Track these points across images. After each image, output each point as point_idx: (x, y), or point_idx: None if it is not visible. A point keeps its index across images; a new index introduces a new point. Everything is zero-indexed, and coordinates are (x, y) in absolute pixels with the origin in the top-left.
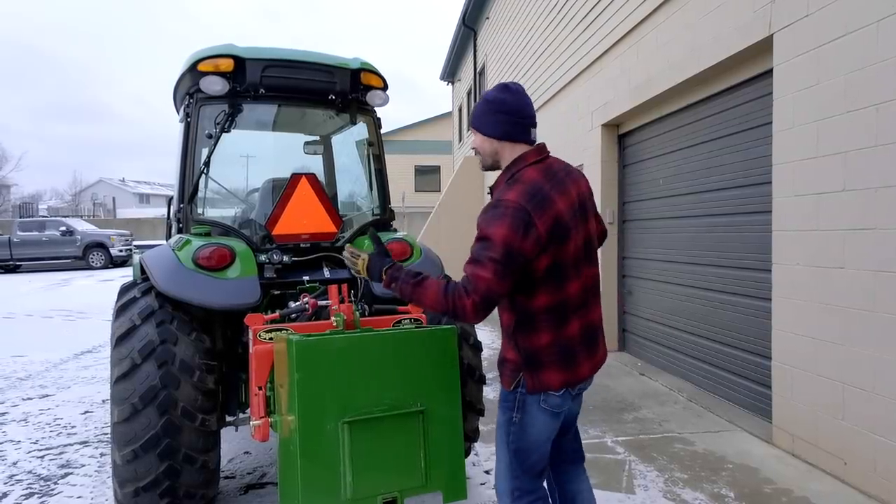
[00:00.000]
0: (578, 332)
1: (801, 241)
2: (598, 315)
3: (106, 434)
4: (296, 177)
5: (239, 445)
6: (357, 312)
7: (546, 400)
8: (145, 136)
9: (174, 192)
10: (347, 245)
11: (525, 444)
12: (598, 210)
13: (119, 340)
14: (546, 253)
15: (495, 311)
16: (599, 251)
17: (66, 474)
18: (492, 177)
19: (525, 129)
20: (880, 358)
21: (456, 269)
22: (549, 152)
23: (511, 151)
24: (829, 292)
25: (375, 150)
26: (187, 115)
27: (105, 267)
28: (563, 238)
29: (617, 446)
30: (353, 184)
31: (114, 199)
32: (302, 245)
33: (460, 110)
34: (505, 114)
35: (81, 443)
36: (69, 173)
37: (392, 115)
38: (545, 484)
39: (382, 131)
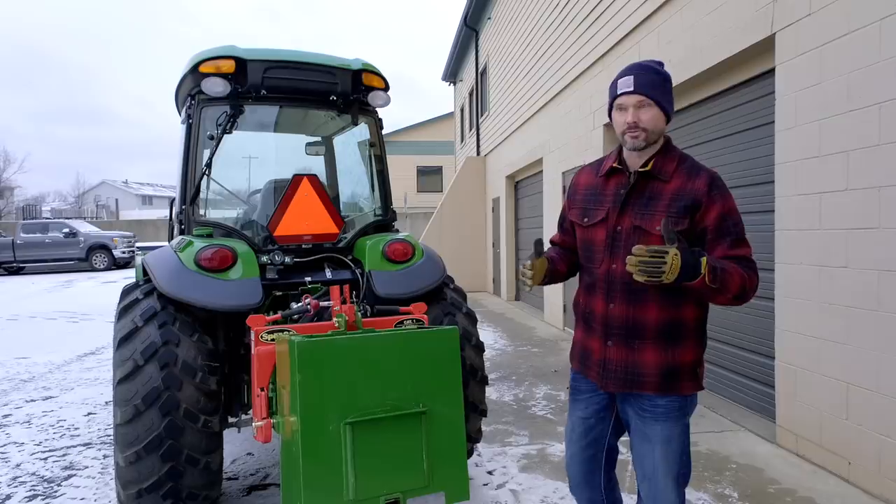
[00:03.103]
0: None
1: (803, 241)
2: None
3: (109, 436)
4: (297, 178)
5: (242, 447)
6: (359, 313)
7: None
8: (148, 138)
9: (176, 194)
10: (638, 247)
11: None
12: None
13: (121, 342)
14: None
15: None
16: None
17: (70, 476)
18: (494, 178)
19: None
20: (884, 357)
21: (458, 270)
22: None
23: (664, 131)
24: (832, 292)
25: (377, 151)
26: (189, 116)
27: (108, 269)
28: None
29: (620, 446)
30: (354, 185)
31: (117, 200)
32: (304, 246)
33: (462, 111)
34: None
35: (84, 444)
36: (72, 175)
37: (394, 116)
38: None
39: (384, 132)
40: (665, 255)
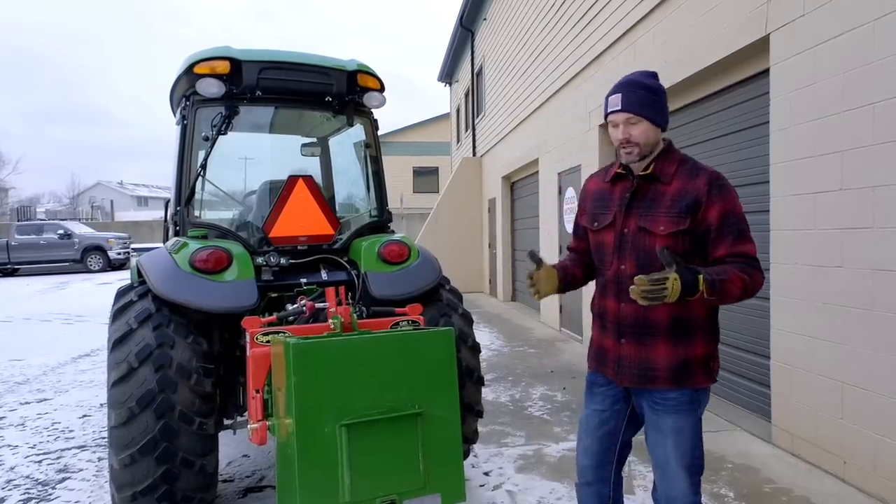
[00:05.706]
0: None
1: (798, 241)
2: None
3: (104, 438)
4: (293, 179)
5: (237, 449)
6: (354, 315)
7: None
8: (143, 139)
9: (171, 195)
10: (639, 277)
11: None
12: None
13: (116, 344)
14: None
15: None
16: None
17: (64, 479)
18: (491, 179)
19: None
20: (879, 357)
21: (454, 271)
22: None
23: (660, 140)
24: (827, 291)
25: (373, 152)
26: (184, 117)
27: (103, 270)
28: None
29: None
30: (350, 185)
31: (112, 201)
32: (299, 247)
33: (458, 111)
34: (667, 103)
35: (79, 447)
36: (67, 176)
37: (390, 117)
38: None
39: (380, 132)
40: (665, 281)
